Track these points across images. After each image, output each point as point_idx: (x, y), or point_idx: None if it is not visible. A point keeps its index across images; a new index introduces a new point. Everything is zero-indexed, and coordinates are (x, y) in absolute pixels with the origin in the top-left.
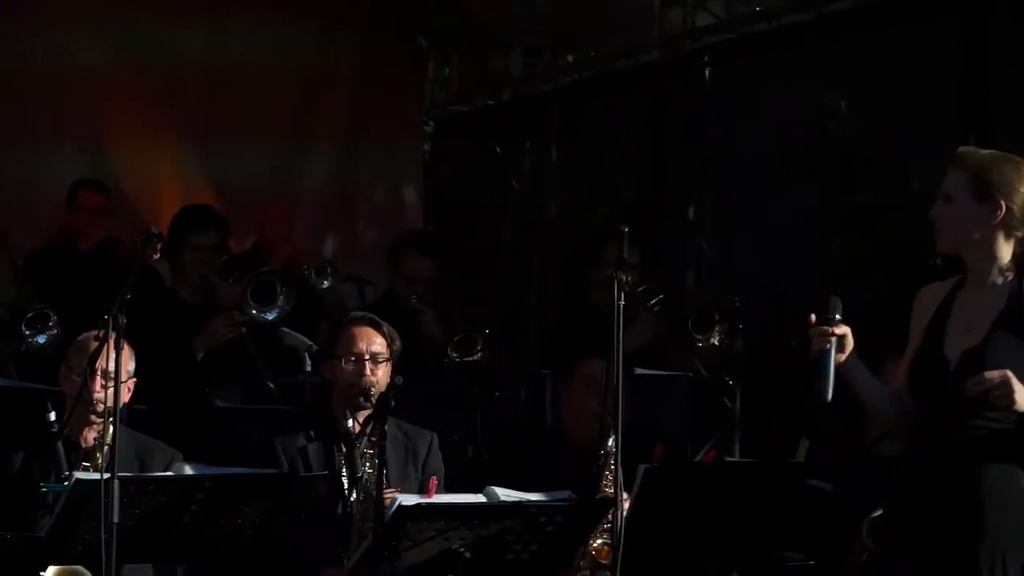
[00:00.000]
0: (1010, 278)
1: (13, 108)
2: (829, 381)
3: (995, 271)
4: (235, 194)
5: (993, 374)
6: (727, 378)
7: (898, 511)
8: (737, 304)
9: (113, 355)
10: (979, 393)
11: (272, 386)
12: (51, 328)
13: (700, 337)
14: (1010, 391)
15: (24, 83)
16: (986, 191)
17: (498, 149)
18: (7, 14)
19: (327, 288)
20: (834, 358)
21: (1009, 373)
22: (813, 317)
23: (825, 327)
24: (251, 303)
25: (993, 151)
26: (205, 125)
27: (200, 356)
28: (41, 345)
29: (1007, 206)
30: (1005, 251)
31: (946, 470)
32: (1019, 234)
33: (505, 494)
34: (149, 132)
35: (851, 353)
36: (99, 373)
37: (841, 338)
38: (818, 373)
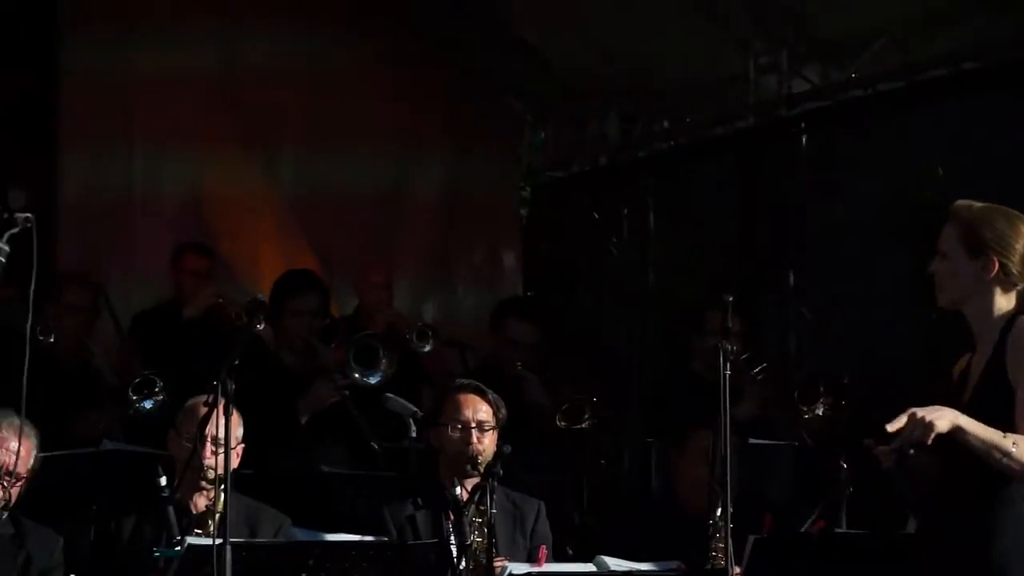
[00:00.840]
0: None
1: (112, 167)
2: (907, 486)
3: (991, 326)
4: (335, 257)
5: (899, 419)
6: (834, 448)
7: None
8: (845, 381)
9: (223, 421)
10: (901, 447)
11: (377, 447)
12: (157, 394)
13: (806, 409)
14: (923, 421)
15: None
16: (979, 247)
17: (596, 215)
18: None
19: (428, 352)
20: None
21: (913, 409)
22: (870, 441)
23: (882, 448)
24: (353, 367)
25: (988, 204)
26: (301, 189)
27: (304, 420)
28: (148, 410)
29: (1000, 262)
30: (1003, 304)
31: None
32: (1020, 287)
33: (615, 563)
34: (246, 193)
35: (947, 421)
36: (208, 439)
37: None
38: (897, 481)
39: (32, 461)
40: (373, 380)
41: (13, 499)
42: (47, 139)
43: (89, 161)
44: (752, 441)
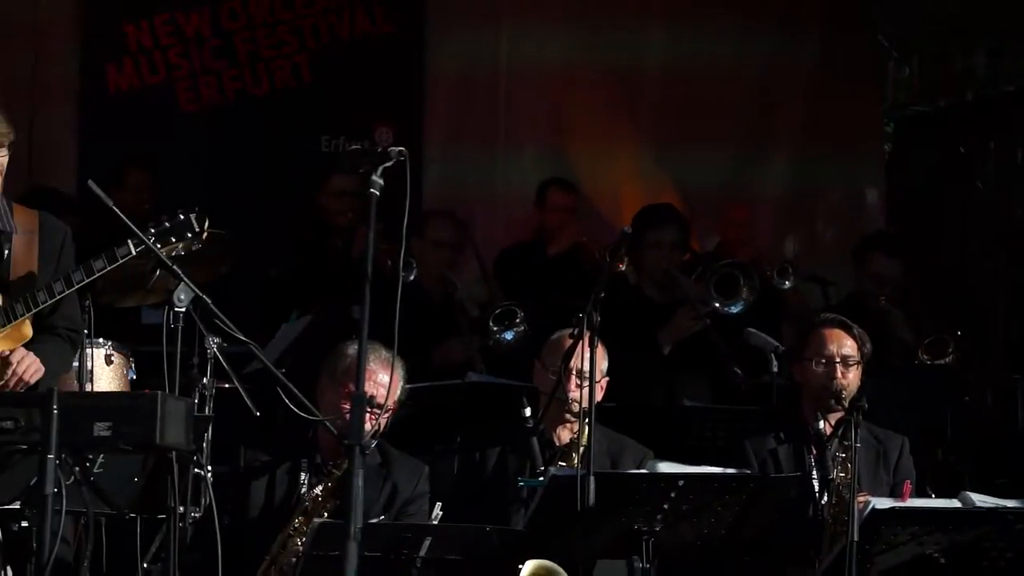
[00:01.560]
0: None
1: (478, 107)
2: None
3: None
4: (695, 195)
5: None
6: None
7: None
8: None
9: (587, 353)
10: None
11: (740, 372)
12: (518, 325)
13: None
14: None
15: (489, 82)
16: None
17: (962, 149)
18: (471, 14)
19: (789, 288)
20: None
21: None
22: None
23: None
24: (715, 296)
25: None
26: (663, 126)
27: (666, 351)
28: (508, 341)
29: None
30: None
31: None
32: None
33: (980, 499)
34: (609, 133)
35: None
36: (574, 372)
37: None
38: None
39: (399, 393)
40: (735, 309)
41: (381, 428)
42: (413, 78)
43: (455, 101)
44: None
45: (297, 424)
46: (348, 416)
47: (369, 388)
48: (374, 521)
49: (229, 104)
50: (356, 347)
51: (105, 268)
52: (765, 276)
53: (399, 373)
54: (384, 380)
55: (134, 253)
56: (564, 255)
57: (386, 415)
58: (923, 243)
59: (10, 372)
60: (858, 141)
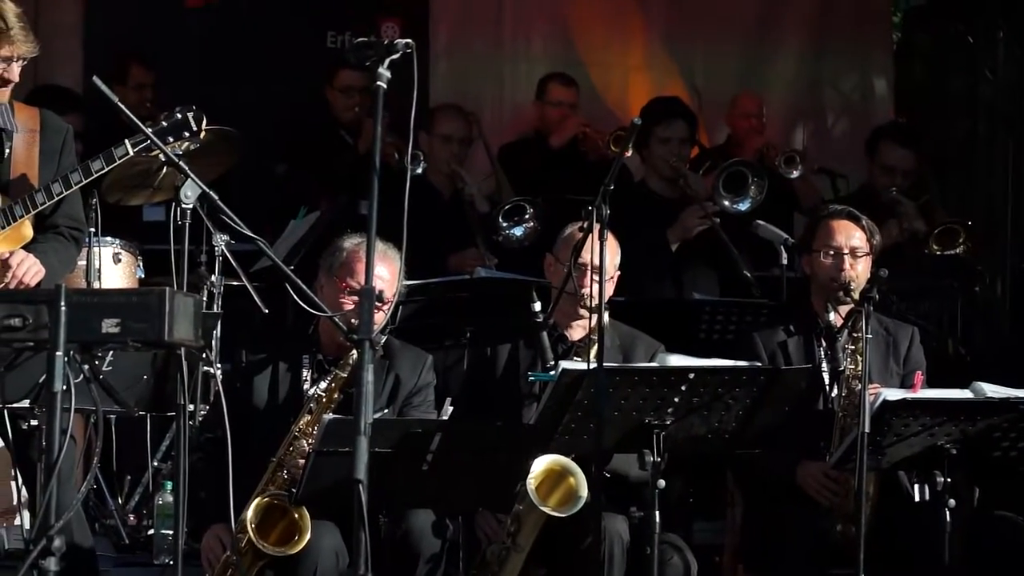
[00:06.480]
0: None
1: (484, 3)
2: None
3: None
4: (704, 87)
5: None
6: None
7: None
8: None
9: (598, 246)
10: None
11: (749, 275)
12: (527, 220)
13: None
14: None
15: None
16: None
17: (970, 39)
18: None
19: (797, 179)
20: None
21: None
22: None
23: None
24: (723, 193)
25: None
26: (672, 18)
27: (674, 247)
28: (518, 237)
29: None
30: None
31: None
32: None
33: (992, 390)
34: (616, 24)
35: None
36: (588, 267)
37: None
38: None
39: (398, 284)
40: (743, 207)
41: (388, 323)
42: None
43: None
44: None
45: (306, 321)
46: (349, 309)
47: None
48: (381, 416)
49: (234, 0)
50: (351, 241)
51: (103, 169)
52: (773, 167)
53: (396, 265)
54: (383, 273)
55: (131, 153)
56: (566, 147)
57: (383, 307)
58: (931, 133)
59: (10, 275)
60: (866, 32)
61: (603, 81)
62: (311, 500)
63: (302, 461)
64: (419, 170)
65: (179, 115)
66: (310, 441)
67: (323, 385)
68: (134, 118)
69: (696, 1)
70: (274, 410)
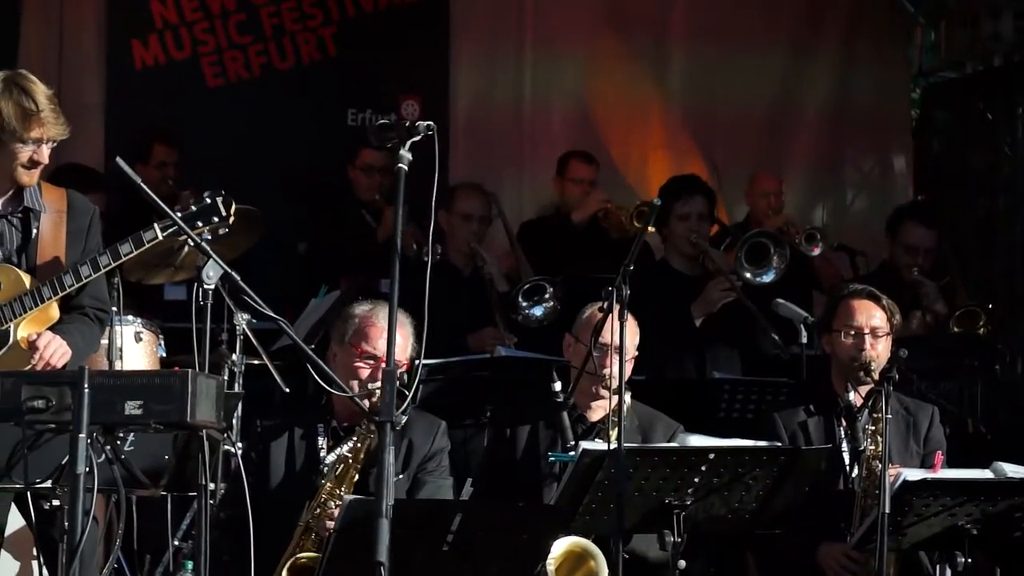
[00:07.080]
0: None
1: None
2: None
3: None
4: (724, 165)
5: None
6: None
7: None
8: None
9: (618, 327)
10: None
11: (778, 339)
12: (547, 300)
13: None
14: None
15: (515, 47)
16: None
17: (989, 115)
18: None
19: (817, 256)
20: None
21: None
22: None
23: None
24: (745, 266)
25: None
26: (690, 97)
27: (699, 323)
28: (537, 317)
29: None
30: None
31: None
32: None
33: (1013, 470)
34: (635, 103)
35: None
36: (610, 348)
37: None
38: None
39: (410, 350)
40: (767, 278)
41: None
42: (439, 50)
43: (480, 72)
44: None
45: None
46: (361, 383)
47: (379, 347)
48: (397, 481)
49: (255, 79)
50: (362, 308)
51: (132, 252)
52: (794, 244)
53: (407, 330)
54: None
55: (160, 237)
56: (588, 224)
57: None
58: (950, 209)
59: (37, 356)
60: (885, 108)
61: (623, 159)
62: None
63: (330, 524)
64: (437, 259)
65: (208, 200)
66: (337, 503)
67: (347, 447)
68: (162, 204)
69: (715, 80)
70: (291, 477)
